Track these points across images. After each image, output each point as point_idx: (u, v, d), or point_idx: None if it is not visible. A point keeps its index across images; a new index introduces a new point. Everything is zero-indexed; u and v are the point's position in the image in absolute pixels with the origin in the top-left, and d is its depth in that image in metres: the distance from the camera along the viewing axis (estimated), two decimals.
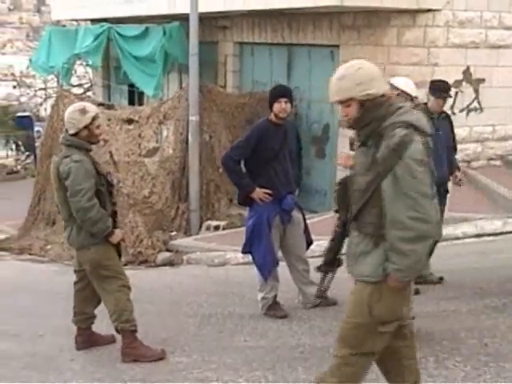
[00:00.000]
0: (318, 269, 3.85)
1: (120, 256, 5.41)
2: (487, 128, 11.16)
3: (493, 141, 11.24)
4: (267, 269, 5.94)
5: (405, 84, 5.04)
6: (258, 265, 6.00)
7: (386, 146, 3.29)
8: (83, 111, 5.12)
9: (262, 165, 5.88)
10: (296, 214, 6.09)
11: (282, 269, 6.26)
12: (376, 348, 3.46)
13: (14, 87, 31.94)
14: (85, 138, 5.16)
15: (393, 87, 5.00)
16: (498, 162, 11.35)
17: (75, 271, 5.57)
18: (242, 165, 6.00)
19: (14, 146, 22.10)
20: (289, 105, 5.97)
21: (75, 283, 5.60)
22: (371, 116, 3.37)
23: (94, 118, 5.14)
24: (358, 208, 3.40)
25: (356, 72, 3.39)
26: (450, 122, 6.75)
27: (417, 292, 5.94)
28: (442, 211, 6.71)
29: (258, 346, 5.43)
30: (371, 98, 3.36)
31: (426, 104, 6.41)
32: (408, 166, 3.24)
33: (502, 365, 4.64)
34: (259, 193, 5.86)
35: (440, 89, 6.47)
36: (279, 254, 6.20)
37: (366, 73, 3.39)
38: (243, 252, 6.23)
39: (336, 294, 6.37)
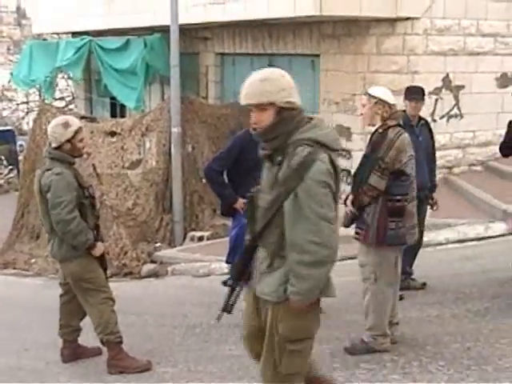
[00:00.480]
0: (224, 283, 3.84)
1: (105, 269, 5.42)
2: (468, 134, 11.25)
3: (473, 146, 11.33)
4: None
5: (383, 93, 5.10)
6: None
7: (287, 165, 3.15)
8: (66, 125, 5.14)
9: (244, 175, 5.90)
10: None
11: None
12: (295, 368, 3.42)
13: None
14: (68, 152, 5.18)
15: (371, 97, 5.07)
16: (479, 168, 11.44)
17: (60, 284, 5.58)
18: (225, 175, 6.04)
19: None
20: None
21: (61, 296, 5.61)
22: (281, 129, 3.22)
23: (76, 132, 5.15)
24: (262, 226, 3.29)
25: (281, 77, 3.27)
26: (430, 130, 6.83)
27: (401, 298, 6.01)
28: (423, 218, 6.79)
29: (243, 355, 5.39)
30: (289, 107, 3.23)
31: (404, 111, 6.48)
32: (309, 187, 3.10)
33: (485, 368, 4.70)
34: (241, 203, 5.88)
35: (411, 92, 6.60)
36: None
37: (288, 81, 3.27)
38: (227, 262, 6.26)
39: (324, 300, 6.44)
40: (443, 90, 10.89)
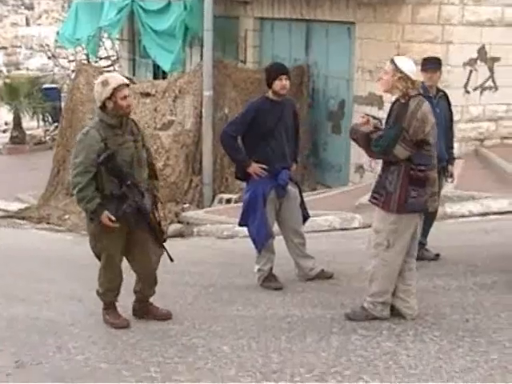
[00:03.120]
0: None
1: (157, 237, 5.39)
2: (501, 107, 11.12)
3: (507, 119, 11.21)
4: (261, 241, 6.12)
5: (409, 68, 5.03)
6: (252, 238, 6.18)
7: None
8: (104, 83, 5.04)
9: (258, 141, 6.04)
10: (292, 189, 6.24)
11: (281, 242, 6.43)
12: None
13: (49, 58, 32.26)
14: (112, 110, 5.07)
15: (396, 69, 5.01)
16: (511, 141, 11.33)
17: None
18: (240, 140, 6.16)
19: (40, 117, 22.42)
20: (288, 82, 6.12)
21: None
22: None
23: (115, 89, 5.00)
24: None
25: None
26: (448, 101, 6.77)
27: None
28: (439, 190, 6.82)
29: (249, 316, 5.63)
30: None
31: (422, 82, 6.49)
32: None
33: (478, 340, 4.79)
34: (255, 168, 6.03)
35: (426, 62, 6.62)
36: (276, 227, 6.37)
37: None
38: (239, 225, 6.43)
39: (334, 267, 6.59)
40: (478, 62, 10.76)
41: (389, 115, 5.17)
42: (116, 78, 5.19)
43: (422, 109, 4.97)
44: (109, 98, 5.05)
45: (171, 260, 5.48)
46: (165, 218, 10.12)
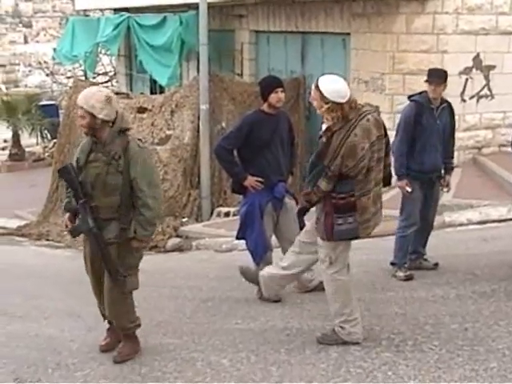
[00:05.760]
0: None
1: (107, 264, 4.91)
2: (498, 115, 11.15)
3: (504, 127, 11.23)
4: (259, 254, 6.11)
5: (334, 93, 4.65)
6: (251, 250, 6.18)
7: None
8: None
9: (254, 154, 6.04)
10: (289, 201, 6.23)
11: (279, 254, 6.42)
12: None
13: (47, 75, 32.42)
14: None
15: (322, 96, 4.66)
16: (509, 149, 11.31)
17: None
18: (236, 153, 6.17)
19: (39, 134, 22.49)
20: (283, 94, 6.15)
21: None
22: None
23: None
24: None
25: None
26: (451, 112, 6.68)
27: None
28: (436, 199, 6.82)
29: (248, 329, 5.62)
30: None
31: (425, 92, 6.51)
32: None
33: (477, 348, 4.78)
34: (251, 181, 6.03)
35: (431, 75, 6.54)
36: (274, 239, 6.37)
37: None
38: (237, 238, 6.42)
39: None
40: (473, 70, 10.79)
41: (315, 151, 4.83)
42: (80, 96, 4.96)
43: (348, 141, 4.62)
44: None
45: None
46: (163, 232, 10.14)
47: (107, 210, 4.85)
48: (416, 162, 6.48)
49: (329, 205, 4.79)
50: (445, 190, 6.87)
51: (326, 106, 4.67)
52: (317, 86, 4.72)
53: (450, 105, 6.70)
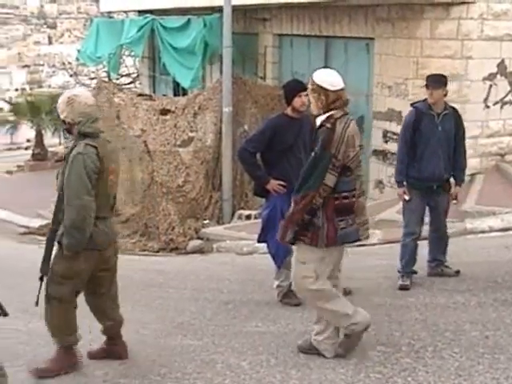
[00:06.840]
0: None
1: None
2: None
3: None
4: (280, 258, 6.13)
5: (324, 79, 4.68)
6: (272, 254, 6.20)
7: None
8: None
9: (277, 157, 6.07)
10: None
11: None
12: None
13: (71, 76, 32.63)
14: None
15: (312, 81, 4.70)
16: None
17: None
18: (259, 156, 6.19)
19: (62, 134, 22.68)
20: (307, 98, 6.15)
21: None
22: None
23: None
24: None
25: None
26: (456, 119, 6.50)
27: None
28: (446, 208, 6.61)
29: (267, 332, 5.63)
30: None
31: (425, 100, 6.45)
32: None
33: (497, 356, 4.75)
34: (273, 184, 6.04)
35: (428, 79, 6.42)
36: None
37: None
38: (258, 241, 6.45)
39: (352, 283, 6.57)
40: (498, 76, 10.73)
41: (314, 140, 4.69)
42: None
43: (348, 131, 4.58)
44: None
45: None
46: (184, 234, 10.19)
47: (61, 221, 4.65)
48: (415, 169, 6.41)
49: (330, 208, 4.58)
50: (453, 202, 6.74)
51: (311, 88, 4.72)
52: (311, 77, 4.76)
53: (455, 110, 6.54)
